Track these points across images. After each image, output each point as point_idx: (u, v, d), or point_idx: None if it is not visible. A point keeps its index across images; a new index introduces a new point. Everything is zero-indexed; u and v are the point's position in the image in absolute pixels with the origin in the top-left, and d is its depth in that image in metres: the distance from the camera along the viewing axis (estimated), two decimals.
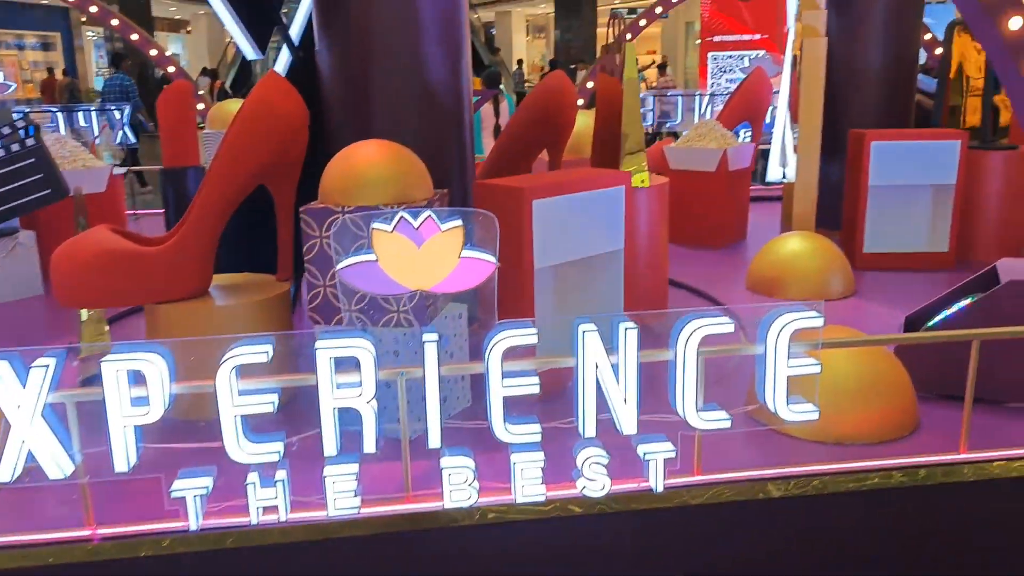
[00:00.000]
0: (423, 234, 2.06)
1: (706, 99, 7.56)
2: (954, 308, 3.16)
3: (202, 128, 6.75)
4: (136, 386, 2.03)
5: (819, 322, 2.25)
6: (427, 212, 2.07)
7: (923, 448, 2.62)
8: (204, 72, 20.29)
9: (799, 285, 4.36)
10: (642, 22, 8.05)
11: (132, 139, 7.59)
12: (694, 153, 5.84)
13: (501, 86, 8.06)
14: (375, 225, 2.05)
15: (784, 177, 6.44)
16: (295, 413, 2.35)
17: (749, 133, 6.96)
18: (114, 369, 2.00)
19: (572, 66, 20.91)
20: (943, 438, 2.69)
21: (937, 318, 3.18)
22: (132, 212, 7.09)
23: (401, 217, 2.04)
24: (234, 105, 5.63)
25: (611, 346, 2.17)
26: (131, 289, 2.91)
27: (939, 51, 7.57)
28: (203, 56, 29.18)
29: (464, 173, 3.63)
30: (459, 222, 2.08)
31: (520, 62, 24.88)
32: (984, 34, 2.80)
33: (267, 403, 2.08)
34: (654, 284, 4.13)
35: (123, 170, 6.73)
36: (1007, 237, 5.12)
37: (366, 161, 2.76)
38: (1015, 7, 2.72)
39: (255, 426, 2.13)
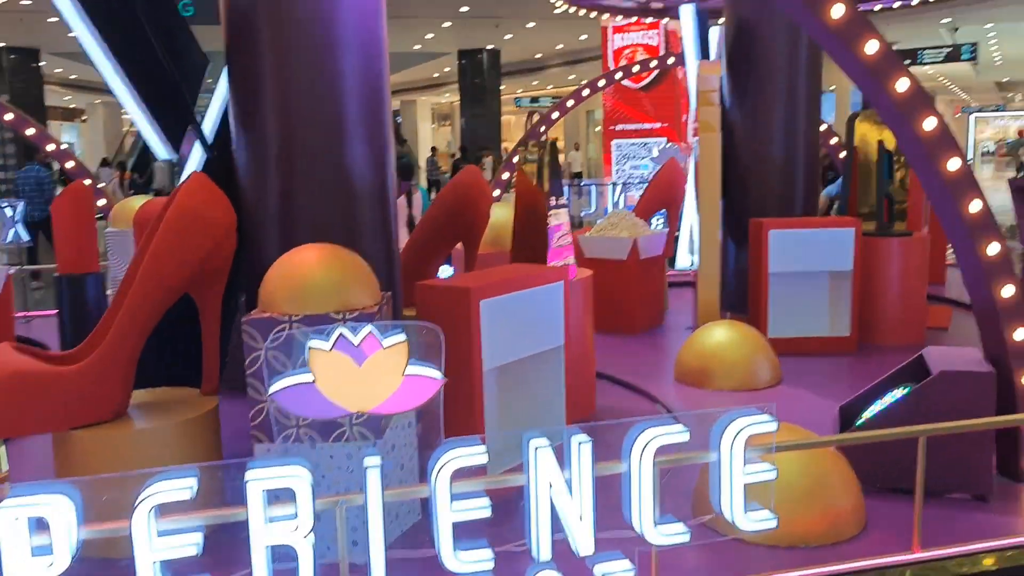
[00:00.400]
0: (364, 351, 1.92)
1: (618, 188, 7.73)
2: (887, 398, 3.19)
3: (101, 219, 6.43)
4: (39, 532, 1.79)
5: (772, 427, 2.19)
6: (368, 327, 1.94)
7: (877, 548, 2.58)
8: (105, 163, 19.71)
9: (727, 376, 4.36)
10: (555, 115, 8.24)
11: (25, 237, 7.17)
12: (606, 242, 5.91)
13: (414, 179, 8.04)
14: (312, 343, 1.90)
15: (692, 264, 6.58)
16: (221, 545, 2.13)
17: (661, 221, 7.10)
18: (12, 516, 1.76)
19: (478, 153, 21.30)
20: (894, 535, 2.65)
21: (872, 408, 3.20)
22: (23, 315, 6.63)
23: (340, 334, 1.90)
24: (138, 202, 5.37)
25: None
26: (43, 415, 2.62)
27: (834, 140, 7.97)
28: (99, 145, 28.45)
29: (392, 274, 3.52)
30: (403, 337, 1.95)
31: (434, 150, 25.14)
32: (900, 134, 2.91)
33: (190, 544, 1.87)
34: (582, 377, 4.06)
35: (14, 269, 6.32)
36: (907, 321, 5.25)
37: (312, 266, 2.61)
38: (928, 108, 2.83)
39: (176, 568, 1.90)
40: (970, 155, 38.41)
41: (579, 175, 23.19)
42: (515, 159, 8.13)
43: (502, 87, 25.06)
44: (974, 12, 18.53)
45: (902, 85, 2.76)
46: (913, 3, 6.67)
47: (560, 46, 25.08)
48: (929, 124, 2.79)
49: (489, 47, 23.35)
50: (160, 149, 3.55)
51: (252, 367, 2.58)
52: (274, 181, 3.40)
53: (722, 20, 6.09)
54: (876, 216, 5.48)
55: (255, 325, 2.56)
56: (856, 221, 5.15)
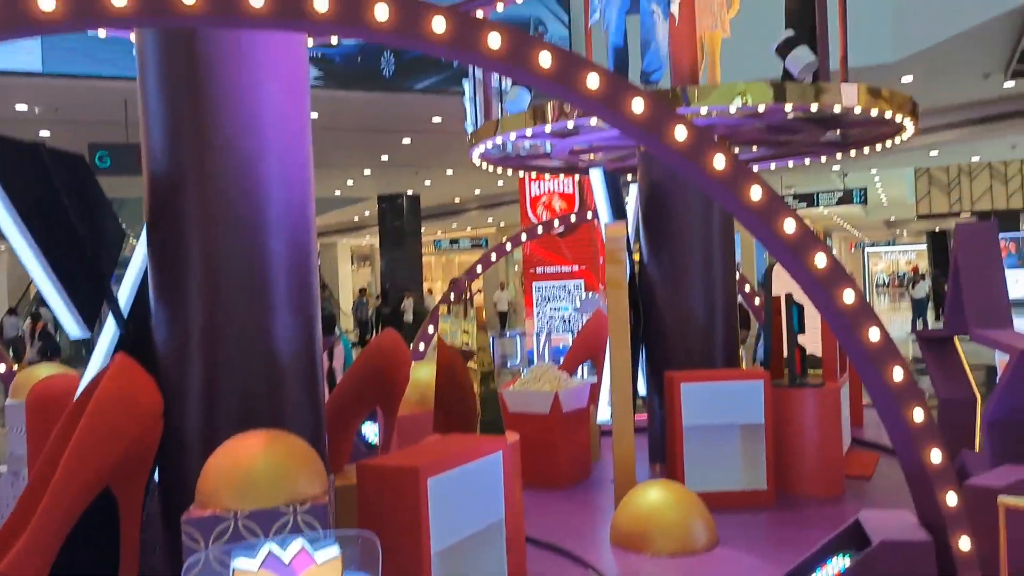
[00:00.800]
0: (295, 570, 1.78)
1: (543, 337, 7.78)
2: (830, 567, 3.15)
3: None
4: None
5: None
6: (300, 541, 1.81)
7: None
8: (11, 312, 18.98)
9: (666, 538, 4.26)
10: (479, 268, 8.35)
11: None
12: (528, 396, 5.85)
13: (336, 330, 7.92)
14: (237, 565, 1.76)
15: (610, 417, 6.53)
16: None
17: (586, 369, 7.14)
18: None
19: (399, 295, 21.40)
20: None
21: None
22: None
23: (269, 552, 1.77)
24: (43, 370, 5.09)
25: None
26: None
27: (748, 288, 8.26)
28: (2, 294, 27.47)
29: (320, 450, 3.36)
30: (336, 551, 1.82)
31: (363, 291, 25.13)
32: (822, 305, 3.00)
33: None
34: (513, 544, 3.89)
35: None
36: (825, 471, 5.22)
37: (257, 456, 2.46)
38: (845, 281, 2.94)
39: None
40: (865, 287, 40.61)
41: (505, 315, 23.42)
42: (440, 313, 8.13)
43: (422, 230, 25.49)
44: (861, 161, 20.09)
45: (820, 260, 2.87)
46: (822, 160, 7.16)
47: (478, 191, 25.84)
48: (848, 297, 2.90)
49: (409, 192, 23.88)
50: (72, 327, 3.36)
51: (192, 570, 2.38)
52: (197, 357, 3.25)
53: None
54: (788, 367, 5.56)
55: (195, 524, 2.37)
56: (765, 373, 5.20)
